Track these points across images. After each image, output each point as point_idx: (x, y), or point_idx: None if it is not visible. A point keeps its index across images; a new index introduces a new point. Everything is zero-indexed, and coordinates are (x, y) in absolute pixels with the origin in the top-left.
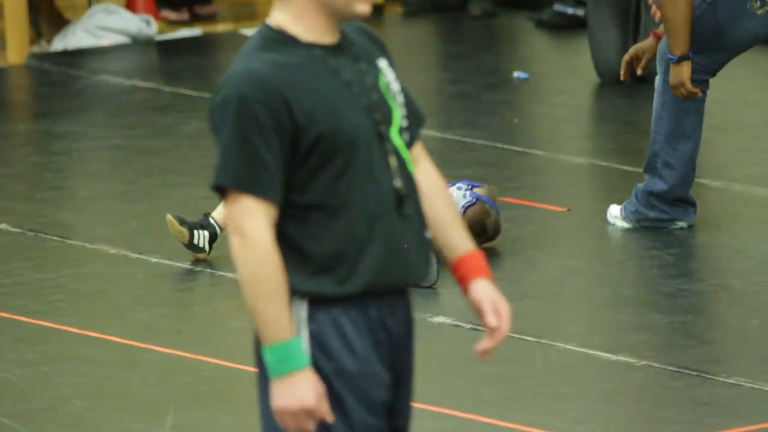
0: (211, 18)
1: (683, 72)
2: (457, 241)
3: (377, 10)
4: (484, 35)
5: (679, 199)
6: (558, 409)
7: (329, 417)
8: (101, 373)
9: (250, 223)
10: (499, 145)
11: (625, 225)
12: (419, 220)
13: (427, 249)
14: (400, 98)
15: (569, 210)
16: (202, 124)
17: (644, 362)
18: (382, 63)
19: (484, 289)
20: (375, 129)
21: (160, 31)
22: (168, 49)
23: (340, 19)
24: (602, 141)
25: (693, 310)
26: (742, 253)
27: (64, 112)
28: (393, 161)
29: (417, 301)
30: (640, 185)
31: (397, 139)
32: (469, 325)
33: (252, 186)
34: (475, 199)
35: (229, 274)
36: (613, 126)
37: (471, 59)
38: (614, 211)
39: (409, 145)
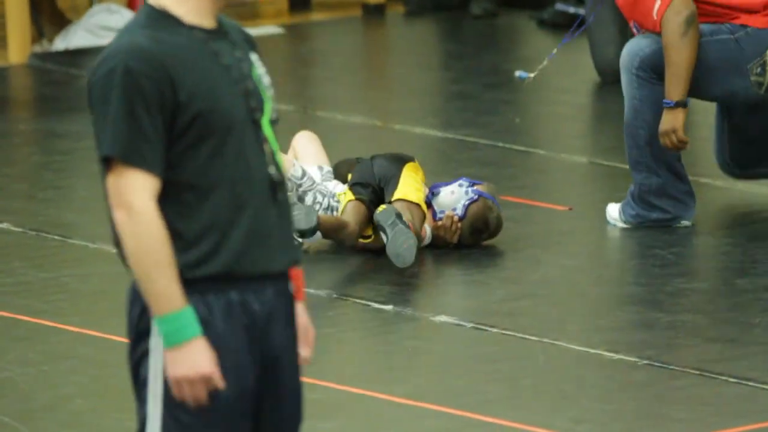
0: None
1: (678, 118)
2: None
3: (379, 10)
4: (485, 35)
5: (676, 193)
6: (559, 408)
7: (221, 384)
8: (102, 372)
9: (136, 196)
10: (501, 144)
11: (625, 226)
12: (288, 208)
13: (293, 238)
14: (270, 92)
15: (571, 209)
16: None
17: (646, 361)
18: (254, 56)
19: (300, 315)
20: (250, 115)
21: None
22: None
23: (223, 3)
24: (603, 140)
25: (695, 309)
26: (744, 251)
27: (66, 111)
28: (267, 148)
29: (419, 302)
30: (633, 187)
31: (268, 128)
32: (471, 324)
33: (138, 159)
34: (477, 196)
35: None
36: (615, 125)
37: (472, 59)
38: (613, 213)
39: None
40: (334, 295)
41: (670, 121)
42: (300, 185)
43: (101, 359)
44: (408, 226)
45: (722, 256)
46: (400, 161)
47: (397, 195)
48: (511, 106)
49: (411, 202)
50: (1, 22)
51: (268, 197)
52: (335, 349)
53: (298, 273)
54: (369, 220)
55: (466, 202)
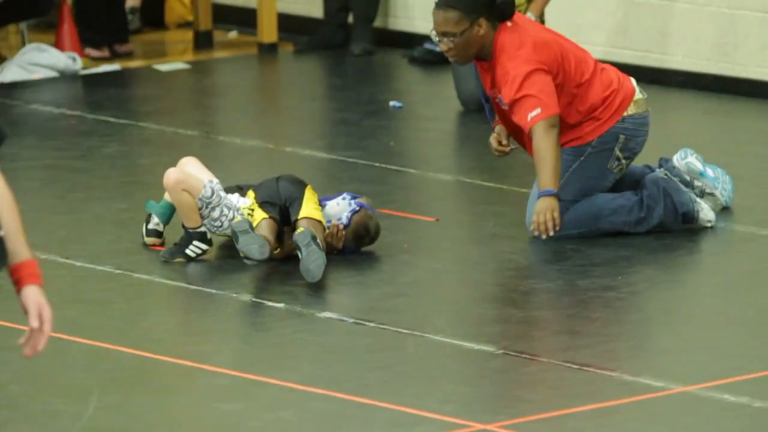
0: (128, 55)
1: (557, 203)
2: (18, 249)
3: (272, 48)
4: (363, 70)
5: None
6: (428, 392)
7: None
8: (33, 362)
9: None
10: (377, 164)
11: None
12: None
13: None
14: None
15: (437, 220)
16: (122, 146)
17: (502, 351)
18: None
19: (32, 295)
20: None
21: (85, 67)
22: (91, 82)
23: None
24: (466, 160)
25: (543, 306)
26: (584, 256)
27: None
28: None
29: (307, 300)
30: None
31: None
32: (352, 320)
33: None
34: (359, 207)
35: (144, 276)
36: (475, 147)
37: (352, 90)
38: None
39: None
40: (233, 295)
41: (553, 203)
42: (209, 203)
43: None
44: (320, 247)
45: (566, 260)
46: (301, 185)
47: (303, 214)
48: (386, 131)
49: (315, 220)
50: None
51: None
52: (235, 341)
53: (33, 262)
54: (278, 236)
55: (350, 213)
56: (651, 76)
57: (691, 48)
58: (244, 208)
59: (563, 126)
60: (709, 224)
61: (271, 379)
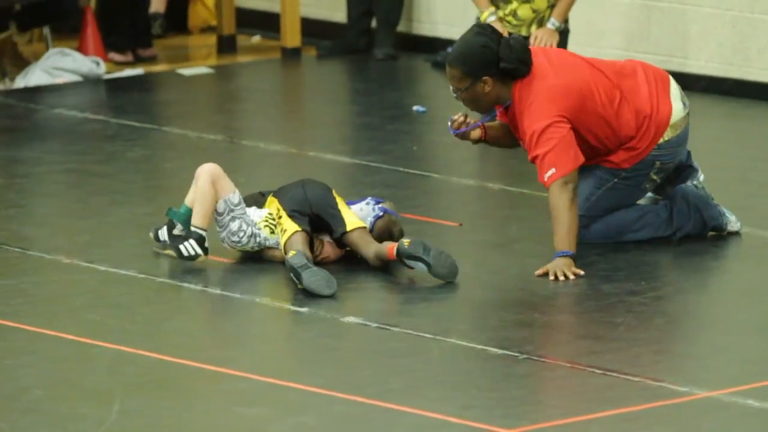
0: (152, 59)
1: (571, 263)
2: None
3: (295, 53)
4: (387, 75)
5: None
6: (451, 397)
7: None
8: (57, 365)
9: None
10: (401, 169)
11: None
12: None
13: None
14: None
15: (461, 225)
16: (145, 151)
17: (525, 356)
18: None
19: None
20: None
21: (108, 71)
22: (115, 86)
23: None
24: (489, 165)
25: (567, 310)
26: (608, 261)
27: (26, 140)
28: None
29: (330, 305)
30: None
31: None
32: (375, 324)
33: None
34: (383, 212)
35: (168, 280)
36: (498, 152)
37: (376, 95)
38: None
39: None
40: (257, 300)
41: (570, 263)
42: (233, 210)
43: (56, 355)
44: (438, 249)
45: (590, 265)
46: (328, 190)
47: (353, 225)
48: (409, 136)
49: (364, 228)
50: None
51: None
52: (258, 346)
53: None
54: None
55: (373, 218)
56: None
57: (713, 52)
58: (261, 221)
59: (599, 153)
60: (734, 230)
61: (294, 384)
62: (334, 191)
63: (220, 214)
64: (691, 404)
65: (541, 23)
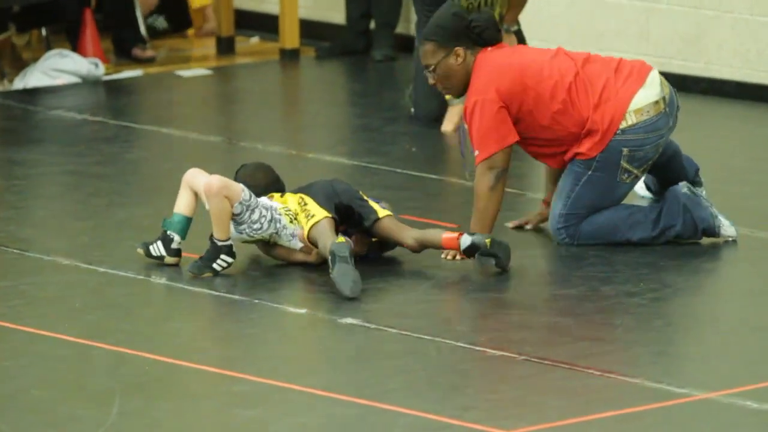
0: (150, 61)
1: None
2: None
3: (294, 54)
4: (385, 76)
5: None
6: (450, 398)
7: None
8: (56, 366)
9: None
10: (399, 170)
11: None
12: None
13: None
14: None
15: (459, 227)
16: (144, 152)
17: (524, 357)
18: None
19: None
20: None
21: (107, 72)
22: (113, 87)
23: None
24: None
25: (566, 312)
26: (607, 262)
27: (24, 142)
28: None
29: (329, 306)
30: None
31: None
32: (374, 325)
33: None
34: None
35: (167, 282)
36: None
37: (374, 96)
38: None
39: None
40: (256, 300)
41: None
42: (249, 204)
43: (54, 355)
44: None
45: (589, 266)
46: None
47: (383, 212)
48: (407, 137)
49: (392, 215)
50: None
51: None
52: (257, 347)
53: None
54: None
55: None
56: (673, 83)
57: (713, 55)
58: (280, 208)
59: (564, 142)
60: (730, 239)
61: (294, 385)
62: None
63: (238, 215)
64: (690, 405)
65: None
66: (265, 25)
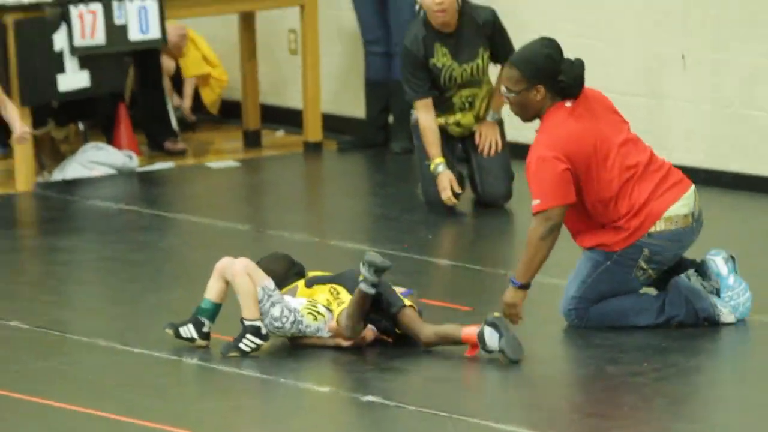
0: (181, 153)
1: (520, 296)
2: None
3: (317, 147)
4: (403, 167)
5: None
6: None
7: None
8: None
9: None
10: (416, 256)
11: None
12: None
13: None
14: None
15: (472, 309)
16: (175, 240)
17: (535, 430)
18: None
19: None
20: None
21: (141, 164)
22: (147, 179)
23: None
24: (500, 252)
25: (575, 390)
26: (614, 344)
27: (63, 230)
28: None
29: (350, 384)
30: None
31: None
32: (393, 403)
33: None
34: (411, 292)
35: (198, 362)
36: (509, 240)
37: (392, 187)
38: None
39: None
40: (281, 380)
41: (513, 297)
42: (271, 295)
43: (91, 430)
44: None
45: (596, 347)
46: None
47: (408, 302)
48: (424, 226)
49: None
50: (11, 159)
51: None
52: (283, 425)
53: None
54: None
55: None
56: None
57: (710, 146)
58: (303, 308)
59: (587, 225)
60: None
61: None
62: None
63: (260, 301)
64: None
65: (478, 119)
66: (289, 119)
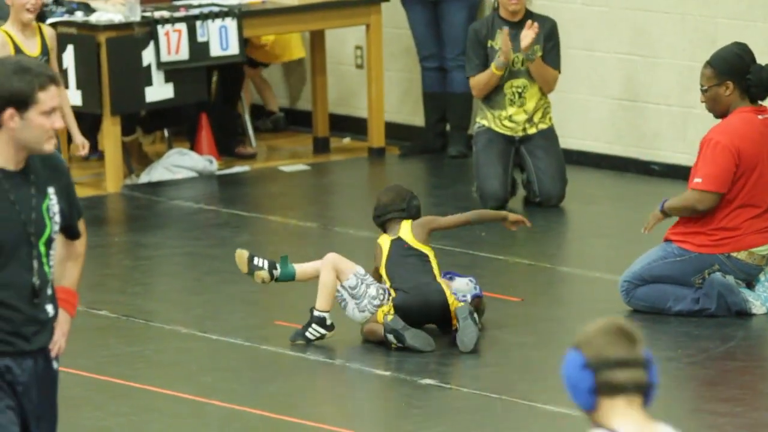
0: (252, 157)
1: (658, 215)
2: (65, 279)
3: (380, 152)
4: (458, 171)
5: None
6: None
7: None
8: (176, 421)
9: None
10: (470, 251)
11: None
12: (47, 303)
13: (50, 326)
14: (57, 218)
15: (522, 300)
16: (251, 236)
17: (578, 413)
18: (51, 190)
19: (61, 318)
20: (27, 238)
21: (220, 168)
22: (225, 181)
23: (29, 152)
24: (547, 247)
25: None
26: (651, 330)
27: (149, 227)
28: (35, 264)
29: (410, 368)
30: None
31: (43, 247)
32: (449, 385)
33: None
34: (481, 295)
35: (271, 348)
36: (556, 236)
37: (449, 188)
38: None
39: (69, 236)
40: (346, 364)
41: (655, 212)
42: (365, 279)
43: (173, 412)
44: (476, 323)
45: None
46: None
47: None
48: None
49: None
50: (102, 163)
51: (29, 299)
52: (348, 405)
53: (73, 292)
54: None
55: (472, 296)
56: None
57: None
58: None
59: (696, 229)
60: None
61: None
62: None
63: (354, 288)
64: None
65: (531, 122)
66: (355, 127)
